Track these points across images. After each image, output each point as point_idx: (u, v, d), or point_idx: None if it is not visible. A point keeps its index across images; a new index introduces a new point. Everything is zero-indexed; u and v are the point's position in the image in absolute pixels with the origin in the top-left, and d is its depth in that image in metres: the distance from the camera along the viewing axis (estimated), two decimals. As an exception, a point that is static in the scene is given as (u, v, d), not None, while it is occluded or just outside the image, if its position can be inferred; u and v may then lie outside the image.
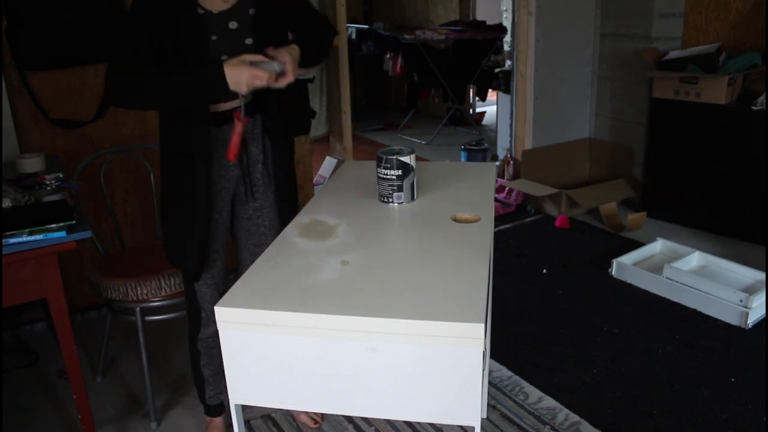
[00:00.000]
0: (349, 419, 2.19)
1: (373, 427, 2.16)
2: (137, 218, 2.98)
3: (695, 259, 3.13)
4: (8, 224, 1.70)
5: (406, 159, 1.67)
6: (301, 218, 1.65)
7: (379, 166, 1.69)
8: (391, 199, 1.71)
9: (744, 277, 2.98)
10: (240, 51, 1.71)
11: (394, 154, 1.67)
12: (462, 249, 1.44)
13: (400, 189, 1.69)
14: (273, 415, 2.22)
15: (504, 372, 2.44)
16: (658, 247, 3.33)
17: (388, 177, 1.68)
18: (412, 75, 6.07)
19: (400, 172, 1.68)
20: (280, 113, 1.85)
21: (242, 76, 1.58)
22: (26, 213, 1.81)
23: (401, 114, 6.69)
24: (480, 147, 4.78)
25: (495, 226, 3.53)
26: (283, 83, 1.66)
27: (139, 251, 2.47)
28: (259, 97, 1.81)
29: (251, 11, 1.73)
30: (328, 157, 4.25)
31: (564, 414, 2.19)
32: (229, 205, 1.90)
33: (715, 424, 2.11)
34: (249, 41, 1.72)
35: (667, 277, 2.93)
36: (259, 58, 1.63)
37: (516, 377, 2.40)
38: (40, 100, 2.63)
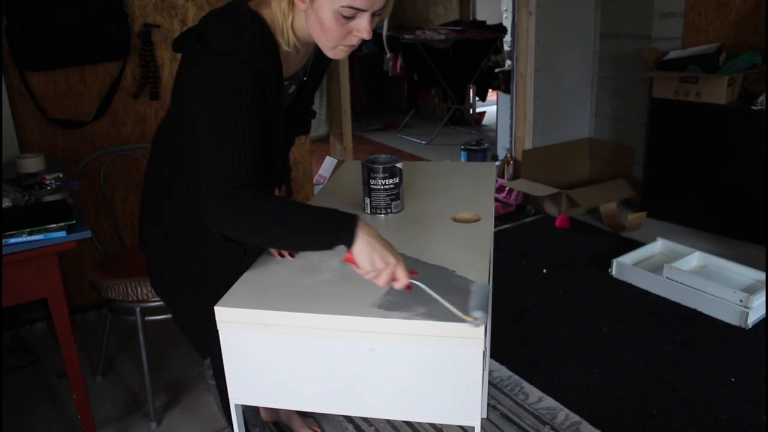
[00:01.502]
0: (349, 419, 2.19)
1: (373, 427, 2.16)
2: (137, 218, 2.97)
3: (695, 259, 3.13)
4: (8, 224, 1.70)
5: (400, 165, 1.64)
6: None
7: (372, 177, 1.61)
8: (389, 210, 1.65)
9: (744, 277, 2.98)
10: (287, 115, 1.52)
11: (385, 163, 1.62)
12: (462, 249, 1.44)
13: (397, 197, 1.66)
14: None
15: (504, 372, 2.44)
16: (658, 247, 3.33)
17: (387, 186, 1.63)
18: (412, 75, 6.07)
19: (397, 179, 1.64)
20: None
21: (375, 254, 1.22)
22: (26, 213, 1.80)
23: (401, 114, 6.69)
24: (480, 147, 4.78)
25: (495, 226, 3.53)
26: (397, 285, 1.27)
27: (139, 251, 2.47)
28: None
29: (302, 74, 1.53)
30: (328, 157, 4.25)
31: (564, 414, 2.19)
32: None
33: (715, 424, 2.11)
34: (289, 101, 1.54)
35: (667, 277, 2.93)
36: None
37: (516, 377, 2.40)
38: (40, 100, 2.63)
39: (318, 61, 1.52)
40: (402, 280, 1.23)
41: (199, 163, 1.29)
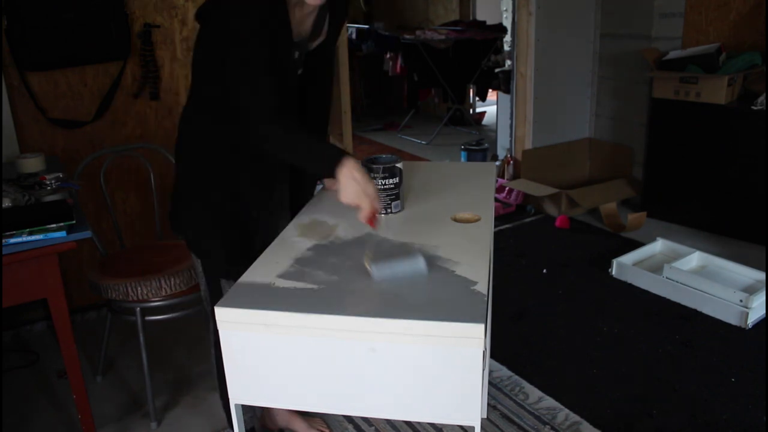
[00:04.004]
0: (349, 419, 2.19)
1: (373, 427, 2.16)
2: (137, 218, 2.98)
3: (695, 259, 3.13)
4: (8, 224, 1.70)
5: (400, 165, 1.64)
6: (301, 218, 1.66)
7: (372, 177, 1.59)
8: (389, 209, 1.65)
9: (744, 277, 2.98)
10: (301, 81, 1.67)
11: (385, 163, 1.62)
12: (462, 249, 1.44)
13: (397, 197, 1.66)
14: None
15: (504, 372, 2.44)
16: (658, 247, 3.33)
17: (387, 186, 1.63)
18: (412, 75, 6.07)
19: (397, 179, 1.64)
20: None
21: (355, 187, 1.43)
22: (26, 213, 1.81)
23: (401, 114, 6.69)
24: (480, 147, 4.78)
25: (495, 226, 3.53)
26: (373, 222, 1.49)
27: (139, 251, 2.47)
28: None
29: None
30: (328, 157, 4.24)
31: (564, 414, 2.19)
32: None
33: (715, 424, 2.11)
34: (300, 71, 1.64)
35: (667, 277, 2.93)
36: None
37: (516, 377, 2.40)
38: (40, 100, 2.63)
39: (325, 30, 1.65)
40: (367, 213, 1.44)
41: (238, 96, 1.48)
